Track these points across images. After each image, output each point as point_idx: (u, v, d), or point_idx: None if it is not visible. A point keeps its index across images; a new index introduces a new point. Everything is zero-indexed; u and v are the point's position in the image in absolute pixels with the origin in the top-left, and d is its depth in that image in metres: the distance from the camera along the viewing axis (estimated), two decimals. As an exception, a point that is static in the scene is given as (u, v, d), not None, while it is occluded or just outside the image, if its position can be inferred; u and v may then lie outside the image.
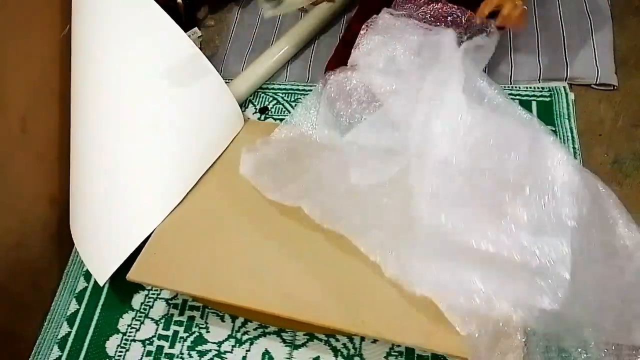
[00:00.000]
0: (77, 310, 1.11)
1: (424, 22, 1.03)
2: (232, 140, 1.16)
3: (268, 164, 1.03)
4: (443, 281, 0.79)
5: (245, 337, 1.02)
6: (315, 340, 1.00)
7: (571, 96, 1.17)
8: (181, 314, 1.07)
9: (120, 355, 1.03)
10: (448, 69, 0.92)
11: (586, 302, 0.77)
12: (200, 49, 1.33)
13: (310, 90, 1.27)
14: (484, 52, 1.00)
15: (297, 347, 1.00)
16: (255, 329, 1.03)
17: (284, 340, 1.01)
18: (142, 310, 1.09)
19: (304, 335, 1.01)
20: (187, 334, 1.04)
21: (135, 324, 1.07)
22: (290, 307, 0.87)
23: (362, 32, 1.04)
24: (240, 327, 1.04)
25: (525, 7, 0.98)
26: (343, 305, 0.86)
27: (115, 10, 1.05)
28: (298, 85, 1.34)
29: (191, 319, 1.06)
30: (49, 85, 1.11)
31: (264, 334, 1.02)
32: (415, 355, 0.96)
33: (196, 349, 1.02)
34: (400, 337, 0.82)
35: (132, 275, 0.95)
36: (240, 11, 1.57)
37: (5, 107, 1.00)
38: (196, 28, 1.47)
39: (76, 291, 1.14)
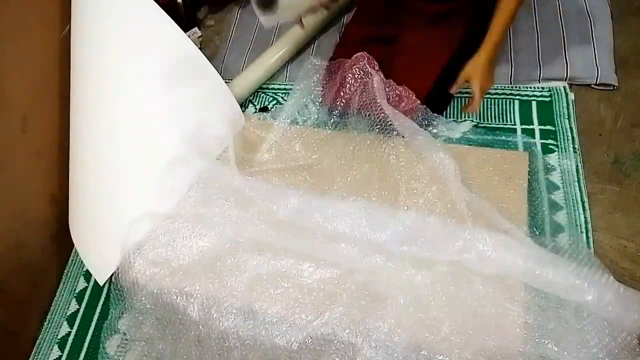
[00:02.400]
0: (77, 310, 1.11)
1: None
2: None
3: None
4: None
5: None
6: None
7: (571, 96, 1.16)
8: (181, 313, 1.07)
9: (120, 355, 1.03)
10: None
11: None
12: (200, 49, 1.33)
13: (310, 90, 1.28)
14: None
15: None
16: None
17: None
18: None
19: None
20: (187, 334, 1.04)
21: (135, 324, 1.07)
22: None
23: None
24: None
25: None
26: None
27: (114, 10, 1.05)
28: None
29: (191, 318, 1.06)
30: (49, 85, 1.11)
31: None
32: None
33: (196, 349, 1.02)
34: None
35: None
36: (240, 11, 1.57)
37: (5, 107, 1.00)
38: (196, 28, 1.47)
39: (76, 291, 1.14)
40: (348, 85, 1.10)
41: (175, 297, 0.91)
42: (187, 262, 0.95)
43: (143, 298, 0.94)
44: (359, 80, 1.09)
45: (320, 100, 1.17)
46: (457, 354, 0.78)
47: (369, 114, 1.08)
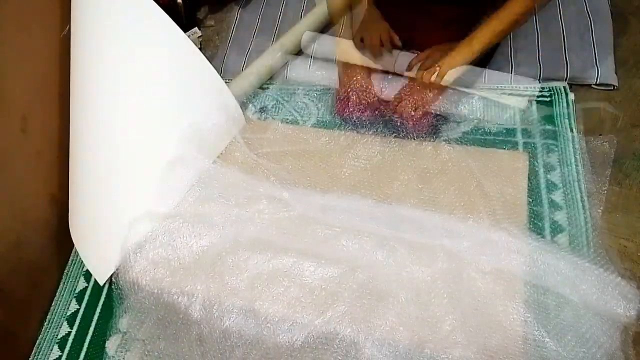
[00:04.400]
0: (77, 310, 1.11)
1: None
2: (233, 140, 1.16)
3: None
4: None
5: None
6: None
7: (571, 96, 1.16)
8: (181, 313, 1.07)
9: (120, 355, 1.03)
10: None
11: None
12: (200, 49, 1.33)
13: (310, 90, 1.29)
14: None
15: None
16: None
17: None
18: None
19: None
20: (187, 334, 1.04)
21: (135, 324, 1.07)
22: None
23: None
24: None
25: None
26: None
27: (114, 10, 1.04)
28: (298, 86, 1.34)
29: (191, 318, 1.06)
30: (49, 85, 1.11)
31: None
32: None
33: (196, 348, 1.02)
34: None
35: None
36: (240, 11, 1.57)
37: (5, 107, 1.00)
38: (196, 28, 1.48)
39: (76, 291, 1.14)
40: (358, 101, 1.13)
41: (177, 297, 0.91)
42: (188, 261, 0.95)
43: (143, 298, 0.94)
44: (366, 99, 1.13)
45: (334, 110, 1.18)
46: (459, 352, 0.79)
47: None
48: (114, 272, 0.99)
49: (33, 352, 1.07)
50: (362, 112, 1.13)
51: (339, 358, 0.82)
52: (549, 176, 1.05)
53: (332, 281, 0.88)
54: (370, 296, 0.86)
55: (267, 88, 1.35)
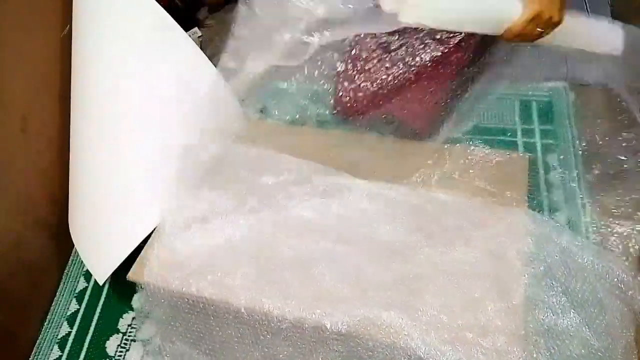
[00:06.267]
0: (77, 310, 1.11)
1: None
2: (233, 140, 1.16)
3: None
4: None
5: (245, 337, 1.02)
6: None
7: (571, 96, 1.17)
8: (181, 313, 1.07)
9: (120, 355, 1.03)
10: None
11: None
12: (200, 49, 1.33)
13: (310, 90, 1.28)
14: None
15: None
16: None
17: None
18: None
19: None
20: (188, 334, 1.04)
21: (135, 324, 1.07)
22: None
23: None
24: (240, 327, 1.03)
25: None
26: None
27: (115, 10, 1.05)
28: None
29: (191, 318, 1.06)
30: (49, 85, 1.11)
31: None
32: None
33: (196, 348, 1.02)
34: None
35: (133, 274, 0.94)
36: (241, 11, 1.57)
37: (5, 107, 1.00)
38: (196, 28, 1.48)
39: (76, 291, 1.14)
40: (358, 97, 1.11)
41: (215, 275, 0.91)
42: (225, 246, 0.95)
43: (174, 290, 0.93)
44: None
45: (332, 106, 1.17)
46: (502, 340, 0.77)
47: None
48: (135, 268, 0.96)
49: (33, 352, 1.08)
50: (361, 111, 1.13)
51: (386, 343, 0.80)
52: (548, 176, 1.05)
53: (372, 267, 0.87)
54: (414, 282, 0.85)
55: (267, 87, 1.35)
